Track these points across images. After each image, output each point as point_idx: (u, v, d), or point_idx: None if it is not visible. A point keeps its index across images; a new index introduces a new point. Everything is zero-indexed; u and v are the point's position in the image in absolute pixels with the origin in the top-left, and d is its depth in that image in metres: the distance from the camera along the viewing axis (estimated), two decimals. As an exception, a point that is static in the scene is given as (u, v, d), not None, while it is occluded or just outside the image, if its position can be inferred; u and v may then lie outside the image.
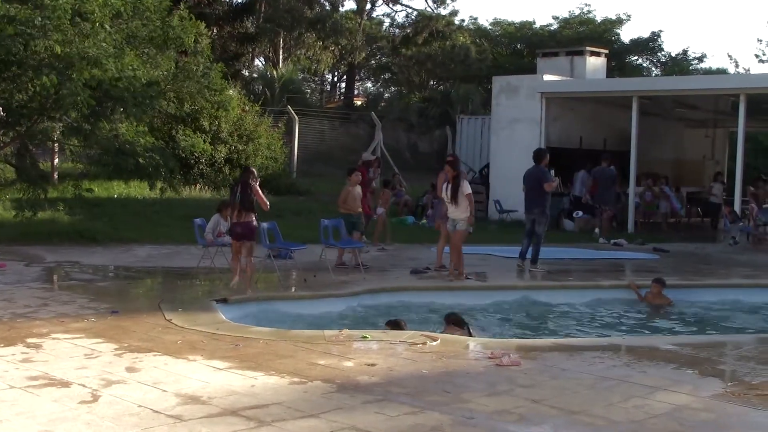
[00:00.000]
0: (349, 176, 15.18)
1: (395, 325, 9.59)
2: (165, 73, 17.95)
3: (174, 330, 8.93)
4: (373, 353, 8.05)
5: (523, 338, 10.01)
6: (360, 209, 14.95)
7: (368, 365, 7.53)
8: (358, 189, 14.95)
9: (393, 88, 51.47)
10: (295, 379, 7.01)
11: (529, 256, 14.86)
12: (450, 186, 13.30)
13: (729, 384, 7.30)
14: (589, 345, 8.94)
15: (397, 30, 50.14)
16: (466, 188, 13.37)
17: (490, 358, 7.86)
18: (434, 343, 8.41)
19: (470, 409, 6.25)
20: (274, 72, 38.52)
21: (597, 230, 20.77)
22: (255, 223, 12.02)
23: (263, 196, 12.05)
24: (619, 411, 6.35)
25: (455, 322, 9.78)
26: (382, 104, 43.94)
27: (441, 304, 12.00)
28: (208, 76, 19.30)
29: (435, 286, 12.85)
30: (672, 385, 7.10)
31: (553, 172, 15.01)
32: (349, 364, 7.62)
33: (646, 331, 11.14)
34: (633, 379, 7.30)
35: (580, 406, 6.42)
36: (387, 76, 52.07)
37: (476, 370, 7.50)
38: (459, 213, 13.31)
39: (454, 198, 13.23)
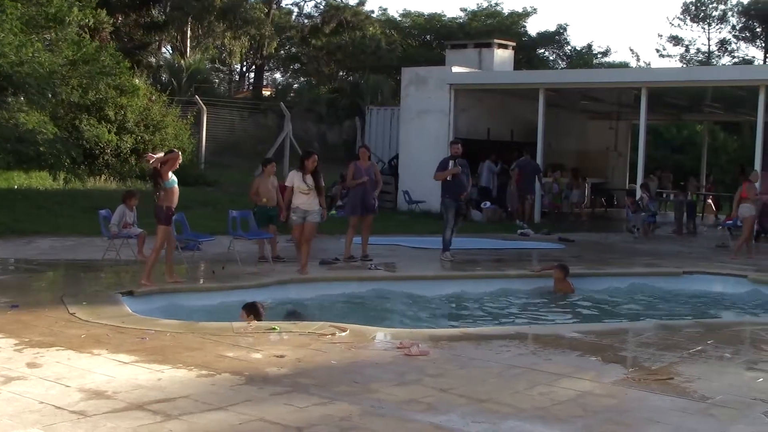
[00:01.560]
0: (264, 167, 14.89)
1: (252, 308, 9.40)
2: (64, 60, 17.48)
3: (78, 324, 8.73)
4: (281, 345, 8.00)
5: (431, 328, 10.07)
6: (275, 202, 14.64)
7: (277, 357, 7.49)
8: (274, 180, 14.60)
9: (302, 79, 51.27)
10: (203, 372, 6.93)
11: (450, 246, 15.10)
12: (311, 177, 12.91)
13: (630, 370, 7.48)
14: (497, 334, 9.04)
15: (306, 20, 49.94)
16: (287, 180, 13.14)
17: (398, 348, 7.90)
18: (343, 334, 8.41)
19: (379, 399, 6.28)
20: (182, 61, 37.97)
21: (518, 221, 21.33)
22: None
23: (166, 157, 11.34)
24: (525, 398, 6.45)
25: (249, 309, 9.77)
26: (292, 95, 43.73)
27: (350, 294, 12.05)
28: (110, 64, 18.91)
29: (344, 277, 12.85)
30: (576, 372, 7.25)
31: (452, 163, 15.07)
32: (257, 356, 7.57)
33: (553, 320, 11.32)
34: (539, 366, 7.43)
35: (488, 394, 6.50)
36: (296, 66, 51.85)
37: (385, 361, 7.53)
38: (315, 205, 12.93)
39: (318, 189, 12.99)
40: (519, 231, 19.85)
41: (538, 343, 8.52)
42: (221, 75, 51.96)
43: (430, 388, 6.65)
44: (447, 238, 15.01)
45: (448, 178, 15.05)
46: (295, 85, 49.62)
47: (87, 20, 17.79)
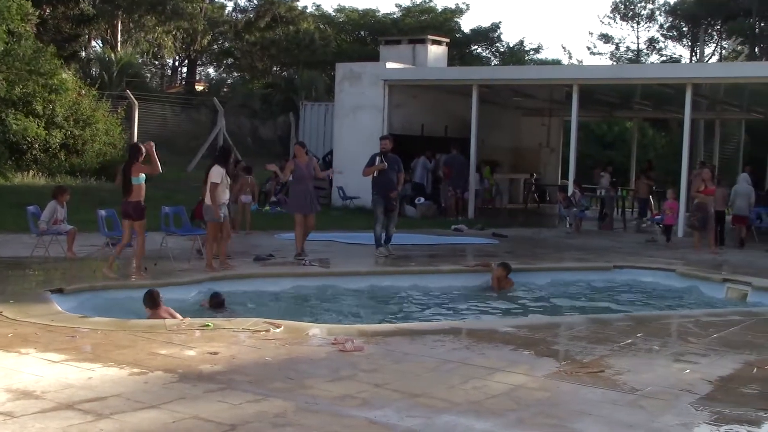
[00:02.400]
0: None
1: (150, 298, 9.38)
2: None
3: (5, 322, 8.53)
4: (215, 341, 7.93)
5: (366, 323, 10.08)
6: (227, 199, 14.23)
7: (211, 354, 7.42)
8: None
9: (236, 74, 50.85)
10: (135, 370, 6.83)
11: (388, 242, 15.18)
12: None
13: (562, 363, 7.59)
14: (431, 329, 9.08)
15: (239, 15, 49.54)
16: (212, 176, 12.60)
17: (333, 343, 7.89)
18: (277, 330, 8.37)
19: (313, 396, 6.26)
20: (112, 55, 37.37)
21: (452, 218, 21.62)
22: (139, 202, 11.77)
23: (155, 163, 11.72)
24: (459, 392, 6.49)
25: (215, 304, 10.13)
26: (225, 90, 43.37)
27: (284, 290, 12.01)
28: (37, 60, 18.49)
29: (278, 273, 12.78)
30: (509, 366, 7.32)
31: (379, 158, 15.15)
32: (191, 353, 7.49)
33: (491, 314, 11.41)
34: (473, 361, 7.48)
35: (422, 389, 6.53)
36: (229, 61, 51.39)
37: (319, 356, 7.51)
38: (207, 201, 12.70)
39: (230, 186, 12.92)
40: (453, 227, 19.97)
41: (472, 337, 8.59)
42: (153, 69, 51.27)
43: (364, 383, 6.65)
44: (377, 234, 15.05)
45: (375, 174, 15.10)
46: (229, 81, 49.22)
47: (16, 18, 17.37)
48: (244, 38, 46.93)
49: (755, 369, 7.58)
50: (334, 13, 49.50)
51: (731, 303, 12.59)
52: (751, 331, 9.37)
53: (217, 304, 10.40)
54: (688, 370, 7.42)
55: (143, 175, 11.68)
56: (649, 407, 6.29)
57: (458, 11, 47.89)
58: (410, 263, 14.35)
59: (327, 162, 25.87)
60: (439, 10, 47.81)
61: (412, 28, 42.61)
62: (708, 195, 17.40)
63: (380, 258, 14.67)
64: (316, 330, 8.68)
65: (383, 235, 15.05)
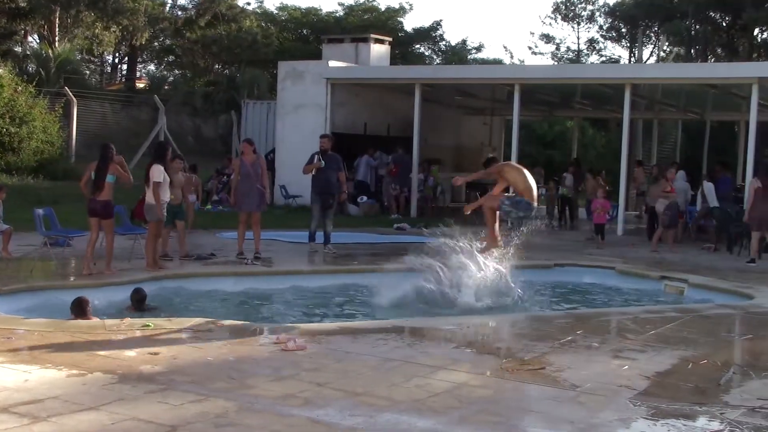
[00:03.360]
0: (170, 162, 14.37)
1: (78, 306, 9.15)
2: None
3: (-62, 324, 8.35)
4: (156, 342, 7.85)
5: (308, 322, 10.05)
6: (180, 199, 13.91)
7: (151, 354, 7.34)
8: (180, 177, 14.00)
9: (177, 72, 50.31)
10: (74, 372, 6.73)
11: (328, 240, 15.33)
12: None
13: (504, 361, 7.64)
14: (374, 327, 9.09)
15: (180, 12, 49.03)
16: (154, 175, 12.48)
17: (275, 343, 7.86)
18: (220, 330, 8.31)
19: (255, 395, 6.23)
20: (50, 51, 36.70)
21: (394, 215, 21.68)
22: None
23: (124, 173, 11.83)
24: (402, 391, 6.51)
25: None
26: (166, 88, 42.84)
27: (227, 289, 11.91)
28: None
29: (220, 272, 12.69)
30: (452, 364, 7.36)
31: (317, 157, 15.31)
32: (131, 353, 7.40)
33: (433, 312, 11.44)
34: (415, 359, 7.50)
35: (364, 388, 6.53)
36: (171, 59, 50.83)
37: (262, 356, 7.48)
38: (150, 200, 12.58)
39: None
40: (395, 225, 20.01)
41: (414, 336, 8.62)
42: (92, 66, 50.47)
43: (306, 382, 6.64)
44: (312, 230, 15.32)
45: (314, 172, 15.26)
46: (170, 78, 48.66)
47: None
48: (185, 35, 46.43)
49: (690, 364, 7.73)
50: (276, 12, 49.26)
51: (668, 300, 12.81)
52: (687, 327, 9.55)
53: (138, 300, 10.20)
54: (626, 367, 7.54)
55: (114, 175, 11.68)
56: (589, 403, 6.37)
57: (401, 10, 47.97)
58: (353, 262, 14.34)
59: (269, 161, 25.75)
60: (382, 9, 47.85)
61: (355, 26, 42.58)
62: (673, 194, 17.86)
63: (312, 253, 14.86)
64: (258, 329, 8.64)
65: (316, 233, 15.28)
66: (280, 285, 12.39)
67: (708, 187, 18.70)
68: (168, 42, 49.98)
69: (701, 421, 6.10)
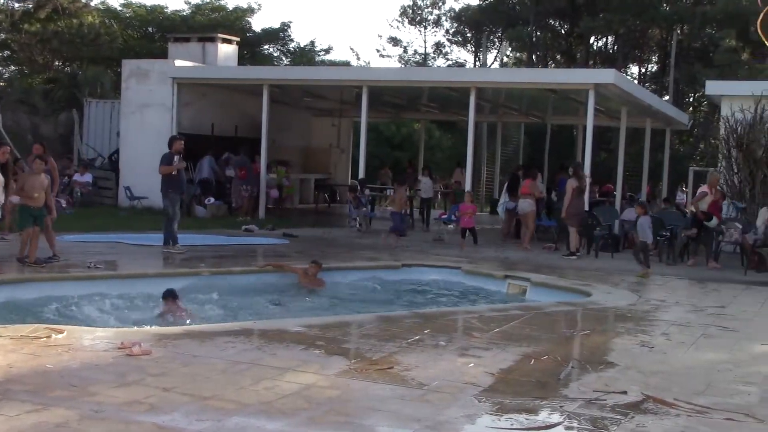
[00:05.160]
0: (32, 162, 13.51)
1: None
2: None
3: None
4: (-9, 350, 7.50)
5: (154, 326, 9.82)
6: (43, 202, 13.04)
7: (-15, 363, 7.01)
8: (43, 178, 13.14)
9: (13, 68, 48.22)
10: None
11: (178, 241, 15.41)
12: None
13: (353, 361, 7.68)
14: (221, 330, 8.97)
15: (16, 4, 47.01)
16: None
17: (120, 348, 7.64)
18: (59, 336, 8.02)
19: (99, 402, 6.04)
20: None
21: (241, 218, 21.55)
22: None
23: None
24: (250, 394, 6.44)
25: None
26: (2, 84, 41.03)
27: (66, 294, 11.46)
28: None
29: (61, 276, 12.23)
30: (300, 366, 7.34)
31: (177, 158, 15.30)
32: (-37, 363, 7.04)
33: (282, 315, 11.40)
34: (264, 361, 7.45)
35: (212, 391, 6.43)
36: (6, 54, 48.69)
37: (105, 362, 7.25)
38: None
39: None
40: (243, 227, 19.84)
41: (263, 338, 8.55)
42: None
43: (152, 387, 6.48)
44: (174, 232, 15.19)
45: (173, 173, 15.23)
46: (6, 74, 46.58)
47: None
48: (22, 29, 44.57)
49: (532, 360, 7.97)
50: (120, 8, 47.94)
51: (512, 298, 13.19)
52: (529, 324, 9.86)
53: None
54: (472, 364, 7.71)
55: None
56: (436, 401, 6.48)
57: (249, 10, 47.55)
58: (200, 264, 14.11)
59: (113, 161, 25.09)
60: (230, 9, 47.31)
61: (202, 26, 41.93)
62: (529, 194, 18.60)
63: (177, 255, 14.75)
64: (101, 334, 8.37)
65: (163, 234, 15.28)
66: (124, 288, 12.04)
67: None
68: (2, 36, 47.86)
69: (542, 415, 6.30)
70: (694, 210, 16.69)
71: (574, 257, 16.76)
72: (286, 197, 26.57)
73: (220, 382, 6.77)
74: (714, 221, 16.79)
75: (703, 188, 16.60)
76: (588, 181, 17.92)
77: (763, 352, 9.11)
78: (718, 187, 17.25)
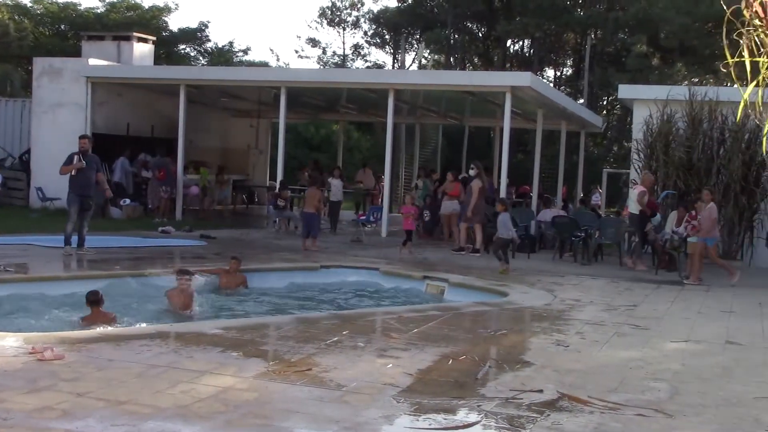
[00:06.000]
0: None
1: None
2: None
3: None
4: None
5: (66, 330, 9.62)
6: None
7: None
8: None
9: None
10: None
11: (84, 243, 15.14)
12: None
13: (271, 363, 7.64)
14: (137, 333, 8.83)
15: None
16: None
17: (31, 353, 7.46)
18: (-32, 341, 7.80)
19: (8, 409, 5.88)
20: None
21: (158, 219, 21.31)
22: None
23: None
24: (167, 397, 6.36)
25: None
26: None
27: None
28: None
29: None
30: (218, 368, 7.27)
31: (77, 157, 15.10)
32: None
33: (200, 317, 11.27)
34: (180, 364, 7.36)
35: (127, 396, 6.33)
36: None
37: (14, 367, 7.07)
38: None
39: None
40: (160, 228, 19.58)
41: (180, 341, 8.44)
42: None
43: (65, 393, 6.34)
44: (68, 233, 14.95)
45: (73, 173, 15.07)
46: None
47: None
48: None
49: (451, 361, 8.04)
50: (30, 5, 46.83)
51: (430, 299, 13.28)
52: (447, 325, 9.94)
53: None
54: (390, 365, 7.73)
55: None
56: (354, 402, 6.48)
57: (166, 9, 46.93)
58: (115, 266, 13.86)
59: (24, 161, 24.52)
60: (146, 8, 46.62)
61: (117, 24, 41.28)
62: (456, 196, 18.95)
63: (67, 257, 14.51)
64: (10, 339, 8.15)
65: (75, 236, 14.96)
66: (35, 291, 11.76)
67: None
68: None
69: (461, 414, 6.36)
70: (642, 209, 16.81)
71: (478, 254, 17.01)
72: (207, 199, 26.27)
73: (135, 386, 6.66)
74: (658, 218, 17.17)
75: (640, 188, 16.82)
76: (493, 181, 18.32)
77: (673, 349, 9.35)
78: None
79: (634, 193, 16.84)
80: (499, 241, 15.54)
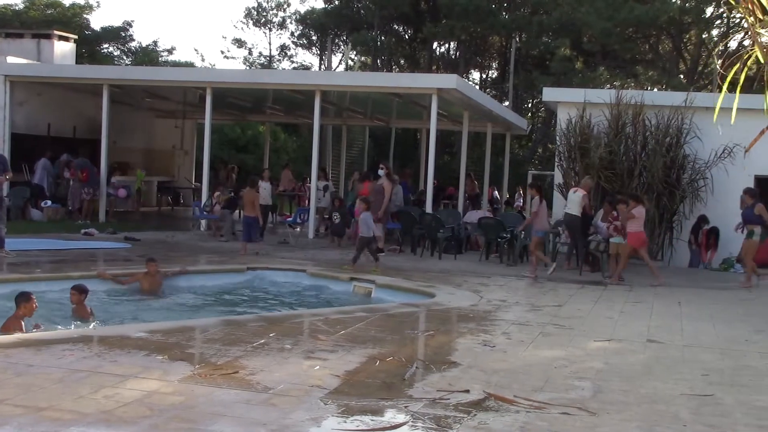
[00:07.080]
0: None
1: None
2: None
3: None
4: None
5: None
6: None
7: None
8: None
9: None
10: None
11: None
12: None
13: (197, 366, 7.55)
14: (59, 338, 8.64)
15: None
16: None
17: (-53, 359, 7.26)
18: None
19: (-76, 417, 5.72)
20: None
21: (81, 221, 20.93)
22: None
23: None
24: (90, 402, 6.24)
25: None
26: None
27: None
28: None
29: None
30: (143, 372, 7.16)
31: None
32: None
33: (122, 320, 11.10)
34: (104, 369, 7.23)
35: (48, 402, 6.19)
36: None
37: (-69, 374, 6.87)
38: None
39: None
40: (83, 230, 19.23)
41: (103, 344, 8.29)
42: None
43: (-17, 400, 6.19)
44: (2, 235, 14.74)
45: None
46: None
47: None
48: None
49: (378, 362, 8.05)
50: (-55, 0, 45.71)
51: (357, 300, 13.28)
52: (374, 326, 9.95)
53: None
54: (317, 367, 7.71)
55: None
56: (281, 404, 6.44)
57: (87, 7, 46.14)
58: (36, 269, 13.57)
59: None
60: (67, 5, 45.77)
61: (37, 21, 40.46)
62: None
63: (8, 258, 14.26)
64: (-74, 345, 7.93)
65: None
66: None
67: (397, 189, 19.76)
68: None
69: (388, 415, 6.36)
70: (586, 212, 16.96)
71: (382, 253, 17.11)
72: (139, 200, 25.91)
73: (56, 391, 6.52)
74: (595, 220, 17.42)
75: (580, 191, 16.95)
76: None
77: (596, 348, 9.51)
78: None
79: (577, 195, 16.89)
80: (363, 240, 15.52)
